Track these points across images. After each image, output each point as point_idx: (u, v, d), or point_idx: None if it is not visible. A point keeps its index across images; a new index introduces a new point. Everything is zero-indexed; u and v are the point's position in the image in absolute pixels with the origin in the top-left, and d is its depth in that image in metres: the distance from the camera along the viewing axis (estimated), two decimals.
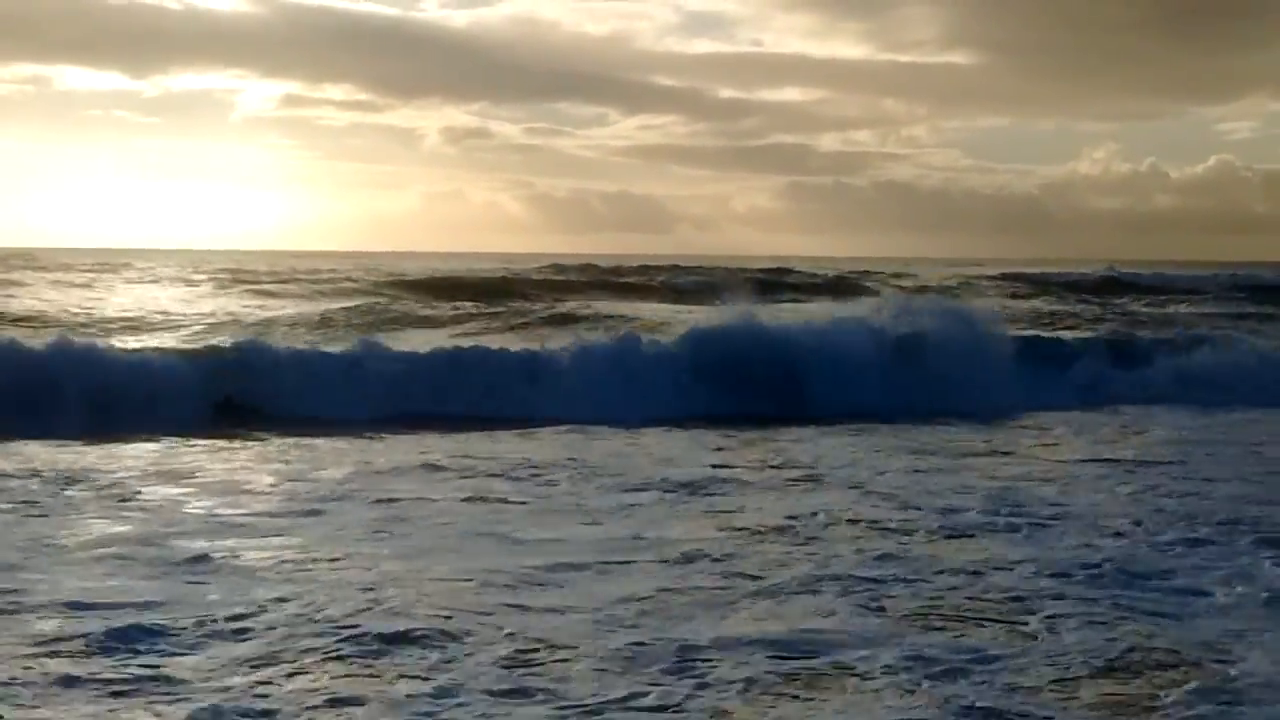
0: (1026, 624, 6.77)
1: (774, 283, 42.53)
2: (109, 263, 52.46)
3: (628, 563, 8.10)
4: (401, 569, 7.76)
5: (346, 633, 6.40)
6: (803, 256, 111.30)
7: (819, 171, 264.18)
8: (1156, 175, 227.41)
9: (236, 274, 42.52)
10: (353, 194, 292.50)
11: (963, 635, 6.58)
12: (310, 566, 7.86)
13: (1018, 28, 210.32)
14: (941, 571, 7.86)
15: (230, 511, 9.63)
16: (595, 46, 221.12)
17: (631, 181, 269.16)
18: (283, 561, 8.00)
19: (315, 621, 6.58)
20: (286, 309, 29.02)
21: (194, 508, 9.81)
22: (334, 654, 6.10)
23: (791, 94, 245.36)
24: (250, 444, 13.47)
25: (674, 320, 25.38)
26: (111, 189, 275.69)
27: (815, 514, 9.63)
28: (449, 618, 6.67)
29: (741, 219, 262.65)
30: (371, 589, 7.24)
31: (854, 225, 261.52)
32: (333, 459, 12.37)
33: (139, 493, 10.34)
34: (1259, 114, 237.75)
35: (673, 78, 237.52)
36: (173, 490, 10.48)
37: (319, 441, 13.52)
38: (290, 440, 13.60)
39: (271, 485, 10.89)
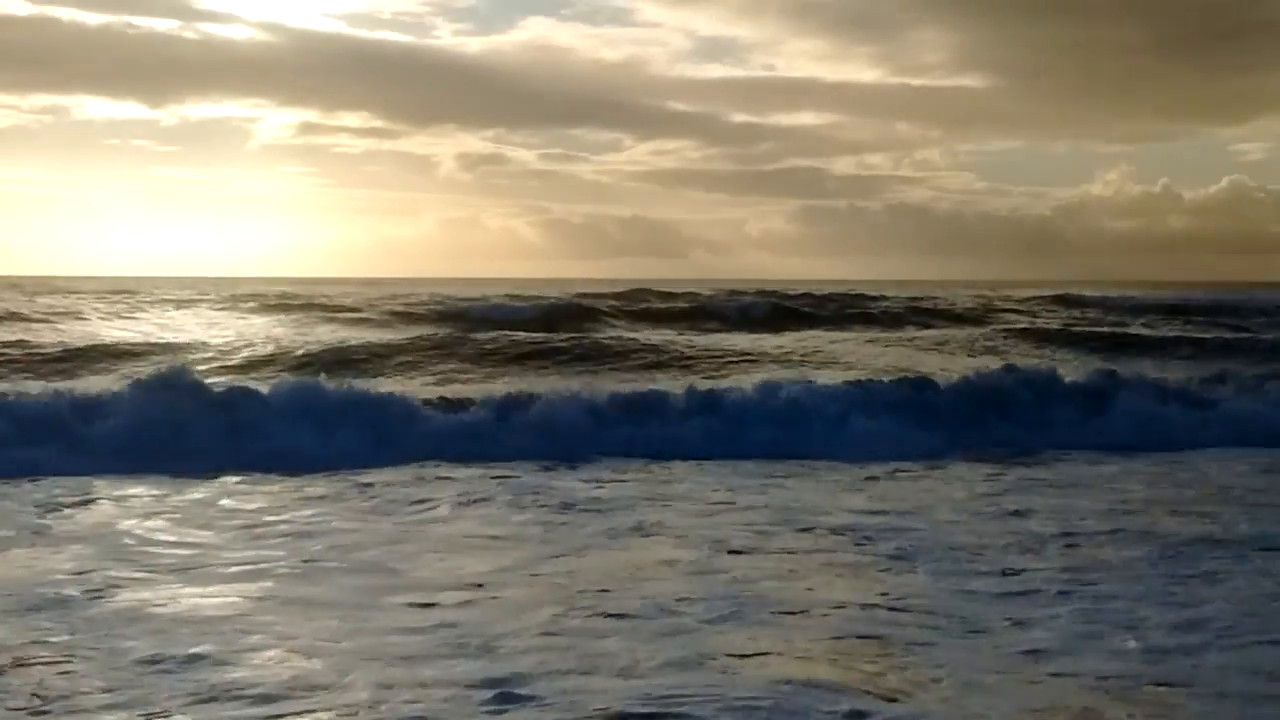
0: None
1: (862, 312, 42.56)
2: (143, 290, 51.67)
3: None
4: None
5: None
6: (819, 280, 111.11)
7: (833, 195, 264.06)
8: (1170, 196, 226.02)
9: (289, 300, 42.04)
10: (369, 221, 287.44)
11: None
12: None
13: (1029, 51, 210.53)
14: None
15: None
16: (609, 72, 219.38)
17: (646, 206, 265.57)
18: None
19: None
20: (389, 337, 28.20)
21: None
22: None
23: (805, 118, 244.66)
24: None
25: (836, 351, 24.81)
26: (130, 217, 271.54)
27: None
28: None
29: (756, 243, 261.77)
30: None
31: (868, 248, 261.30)
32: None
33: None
34: (1272, 135, 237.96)
35: (686, 103, 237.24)
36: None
37: None
38: None
39: None
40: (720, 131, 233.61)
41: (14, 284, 60.52)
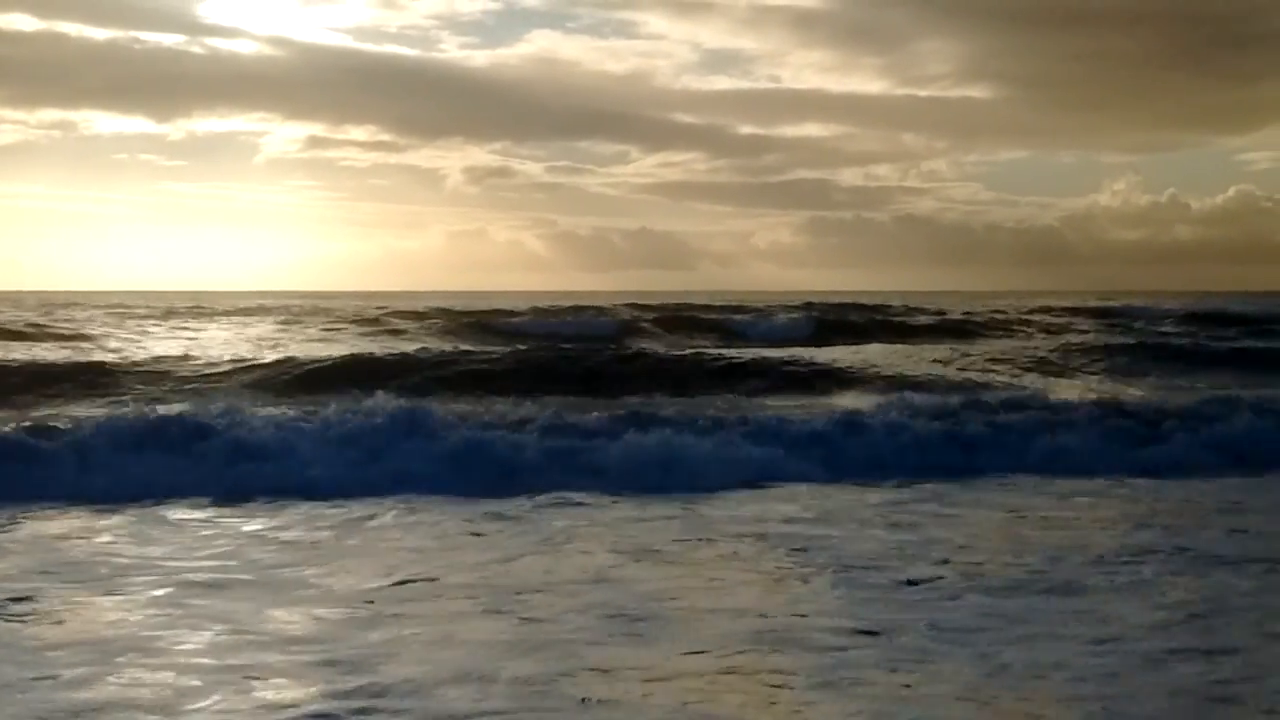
0: None
1: (904, 323, 41.84)
2: (176, 306, 51.03)
3: None
4: None
5: None
6: (826, 291, 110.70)
7: (840, 206, 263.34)
8: (1177, 206, 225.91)
9: (333, 314, 41.48)
10: (376, 234, 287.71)
11: None
12: None
13: (1035, 61, 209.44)
14: None
15: None
16: (615, 85, 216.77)
17: (654, 218, 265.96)
18: None
19: None
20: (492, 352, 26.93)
21: None
22: None
23: (811, 129, 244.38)
24: None
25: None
26: (138, 232, 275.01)
27: None
28: None
29: (763, 254, 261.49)
30: None
31: (876, 259, 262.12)
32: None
33: None
34: (1279, 144, 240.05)
35: (693, 115, 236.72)
36: None
37: None
38: None
39: None
40: (727, 143, 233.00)
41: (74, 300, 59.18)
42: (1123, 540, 9.45)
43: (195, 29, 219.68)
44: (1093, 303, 64.93)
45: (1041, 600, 7.53)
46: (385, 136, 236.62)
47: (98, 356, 24.87)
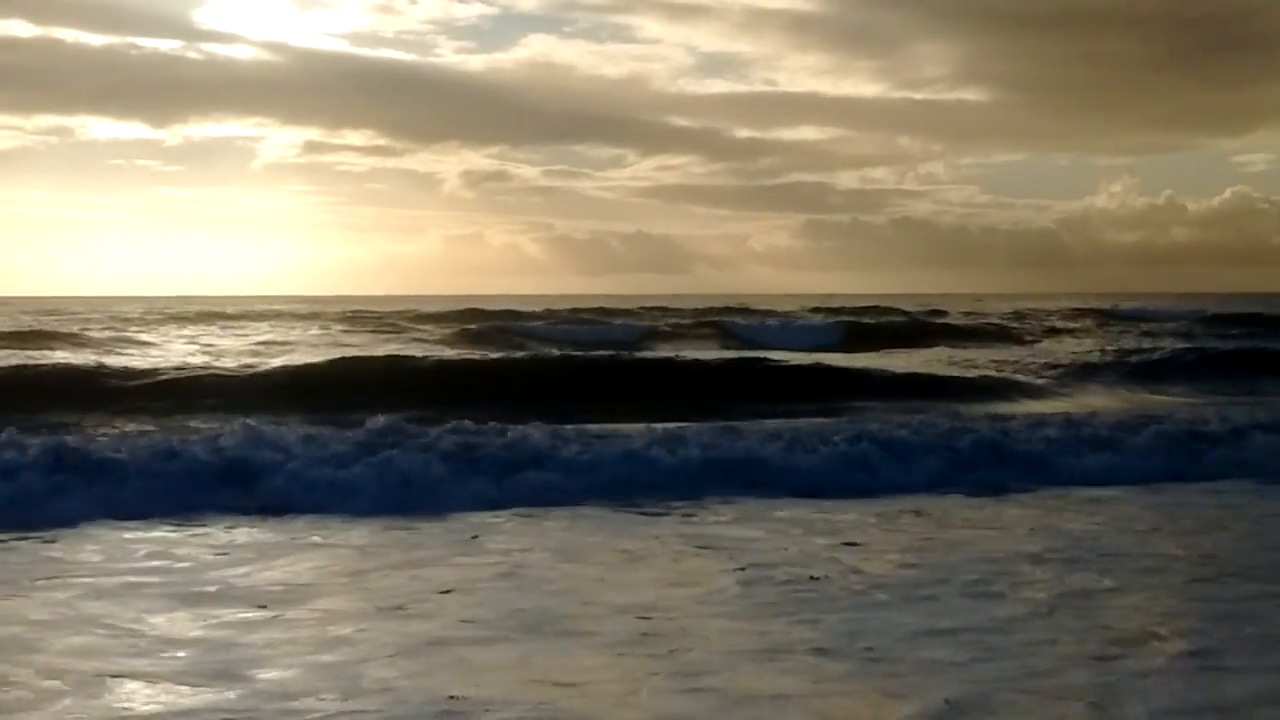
0: None
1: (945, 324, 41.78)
2: (193, 311, 50.50)
3: None
4: None
5: None
6: (824, 294, 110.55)
7: (837, 209, 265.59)
8: (1173, 208, 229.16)
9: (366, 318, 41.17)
10: (373, 238, 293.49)
11: None
12: None
13: (1030, 64, 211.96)
14: None
15: None
16: (611, 89, 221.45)
17: (650, 222, 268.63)
18: None
19: None
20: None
21: None
22: None
23: (808, 133, 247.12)
24: None
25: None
26: (135, 237, 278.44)
27: None
28: None
29: (760, 258, 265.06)
30: None
31: (873, 262, 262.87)
32: None
33: None
34: (1275, 146, 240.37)
35: (689, 119, 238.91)
36: None
37: None
38: None
39: None
40: (723, 147, 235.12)
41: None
42: None
43: (192, 34, 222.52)
44: (1103, 304, 65.06)
45: None
46: (382, 141, 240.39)
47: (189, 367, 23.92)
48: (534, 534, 9.67)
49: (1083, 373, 25.97)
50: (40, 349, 29.80)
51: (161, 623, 6.80)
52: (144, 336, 36.21)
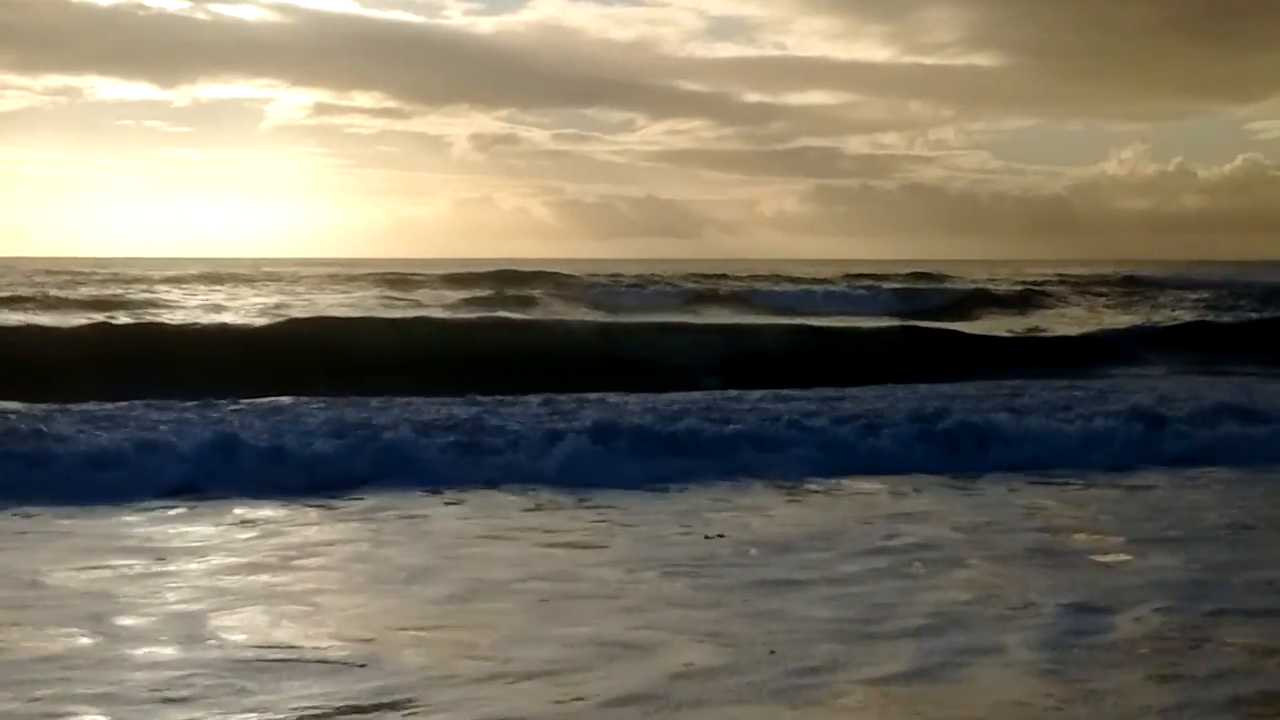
0: None
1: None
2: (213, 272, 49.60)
3: None
4: None
5: None
6: (835, 259, 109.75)
7: (846, 174, 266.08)
8: (1184, 175, 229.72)
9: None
10: (383, 201, 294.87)
11: None
12: None
13: (1041, 29, 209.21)
14: None
15: None
16: (621, 52, 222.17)
17: (659, 186, 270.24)
18: None
19: None
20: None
21: None
22: None
23: (817, 97, 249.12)
24: None
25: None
26: (143, 198, 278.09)
27: None
28: None
29: (769, 222, 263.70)
30: None
31: (882, 228, 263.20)
32: None
33: None
34: None
35: (698, 82, 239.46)
36: None
37: None
38: None
39: None
40: (733, 111, 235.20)
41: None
42: None
43: None
44: (1127, 270, 64.79)
45: None
46: (391, 103, 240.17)
47: None
48: None
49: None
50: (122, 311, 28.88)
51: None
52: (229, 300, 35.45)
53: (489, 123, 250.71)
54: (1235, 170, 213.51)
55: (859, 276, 55.27)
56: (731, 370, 18.11)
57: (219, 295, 38.70)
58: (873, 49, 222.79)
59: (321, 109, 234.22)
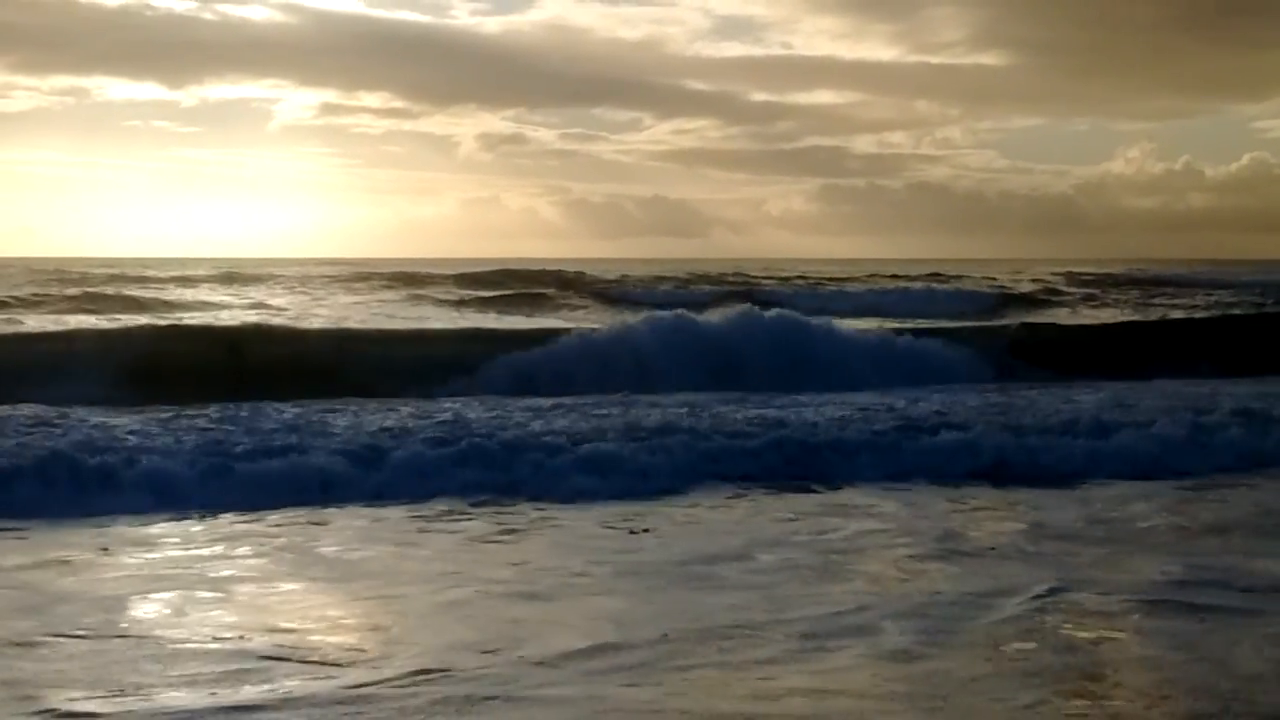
0: None
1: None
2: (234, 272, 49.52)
3: None
4: None
5: None
6: (841, 259, 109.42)
7: (854, 174, 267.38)
8: (1191, 174, 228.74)
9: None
10: (391, 201, 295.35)
11: None
12: None
13: (1047, 28, 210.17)
14: None
15: None
16: (628, 52, 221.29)
17: (666, 186, 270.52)
18: None
19: None
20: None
21: None
22: None
23: (824, 96, 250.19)
24: None
25: None
26: (151, 198, 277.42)
27: None
28: None
29: (776, 222, 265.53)
30: None
31: (889, 227, 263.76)
32: None
33: None
34: None
35: (705, 82, 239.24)
36: None
37: None
38: None
39: None
40: (740, 110, 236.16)
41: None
42: None
43: None
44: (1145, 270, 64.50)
45: None
46: (398, 103, 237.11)
47: None
48: None
49: None
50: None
51: None
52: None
53: (496, 122, 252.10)
54: (1242, 169, 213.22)
55: (888, 277, 54.76)
56: None
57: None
58: (879, 48, 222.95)
59: (328, 109, 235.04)
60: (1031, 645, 6.06)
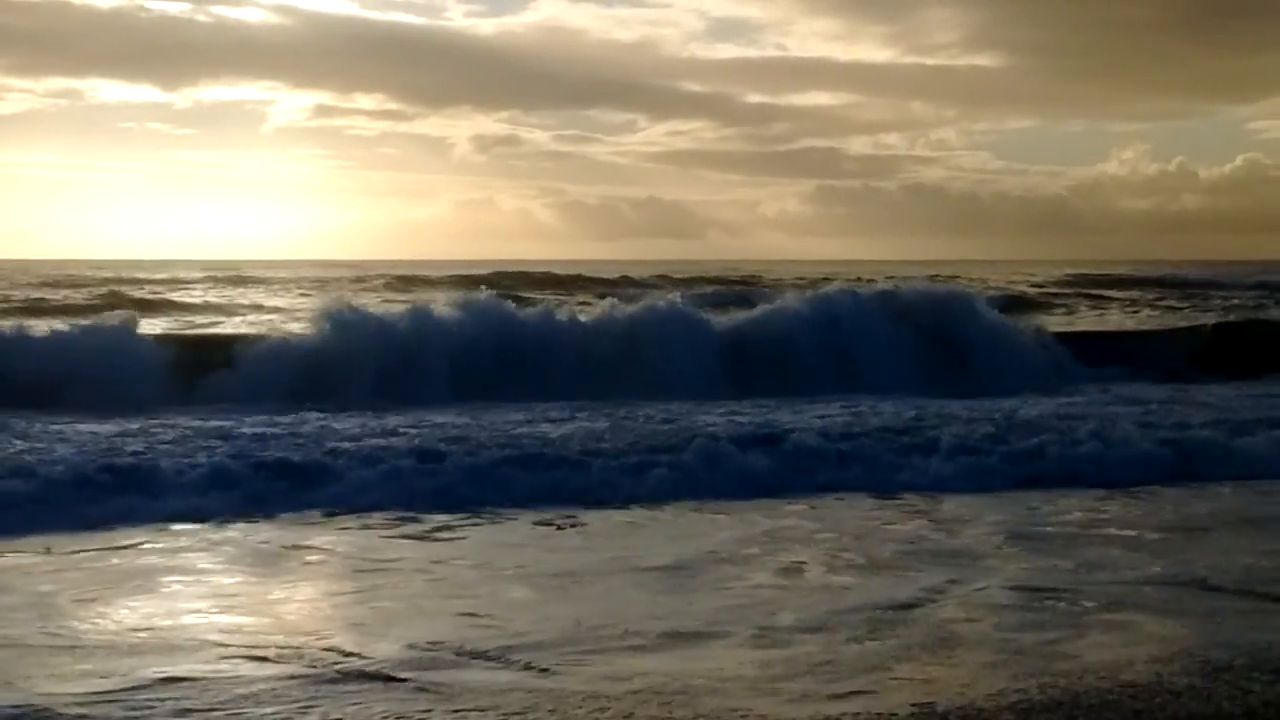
0: None
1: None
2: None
3: None
4: None
5: None
6: (837, 260, 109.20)
7: (848, 175, 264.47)
8: (1185, 175, 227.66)
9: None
10: (385, 203, 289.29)
11: None
12: None
13: (1042, 29, 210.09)
14: None
15: None
16: (622, 53, 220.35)
17: (661, 187, 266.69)
18: None
19: None
20: None
21: None
22: None
23: (819, 98, 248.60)
24: None
25: None
26: (146, 200, 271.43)
27: None
28: None
29: (771, 223, 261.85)
30: None
31: (885, 228, 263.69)
32: None
33: None
34: None
35: (700, 83, 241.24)
36: None
37: None
38: None
39: None
40: (734, 112, 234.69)
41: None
42: None
43: None
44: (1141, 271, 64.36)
45: None
46: (393, 105, 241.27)
47: None
48: None
49: None
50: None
51: None
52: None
53: (490, 124, 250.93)
54: (1236, 170, 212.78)
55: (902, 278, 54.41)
56: None
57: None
58: (874, 50, 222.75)
59: (323, 111, 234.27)
60: None
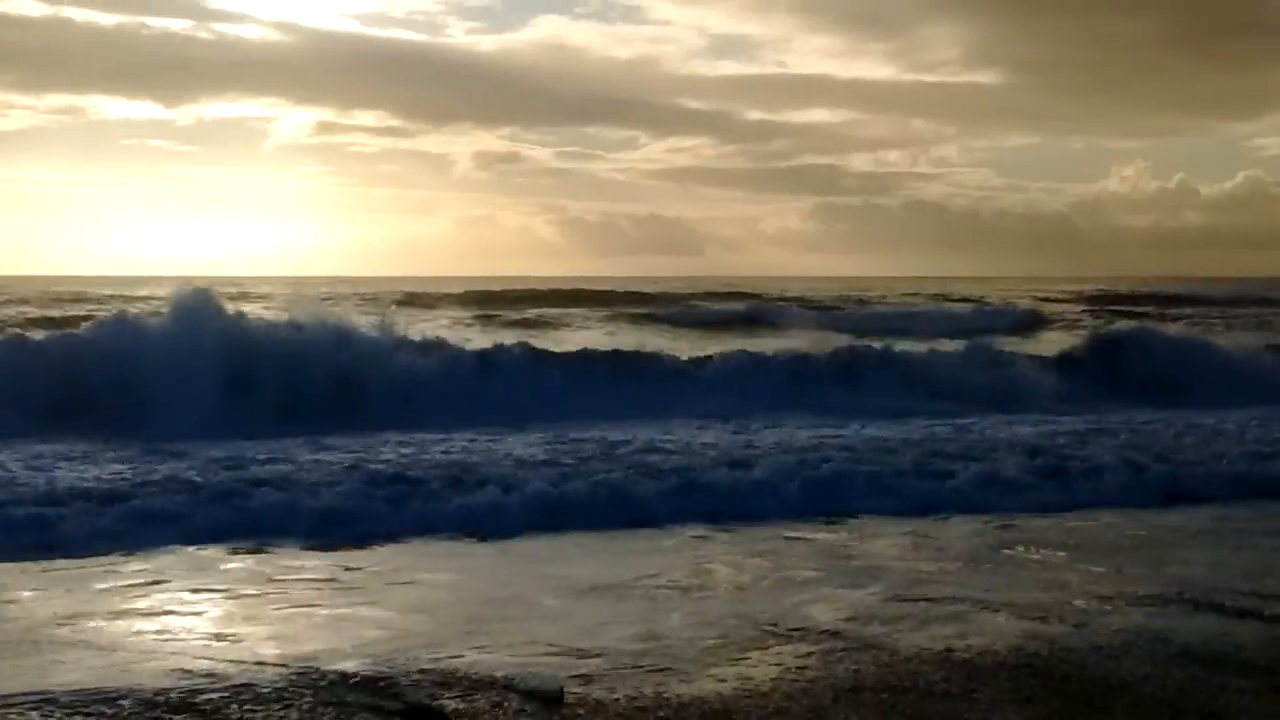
0: None
1: None
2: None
3: None
4: None
5: None
6: (836, 278, 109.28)
7: (849, 192, 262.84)
8: (1186, 192, 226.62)
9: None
10: (386, 219, 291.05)
11: None
12: None
13: (1042, 46, 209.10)
14: None
15: None
16: (623, 70, 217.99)
17: (662, 204, 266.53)
18: None
19: None
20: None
21: None
22: None
23: (819, 115, 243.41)
24: None
25: None
26: (148, 217, 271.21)
27: None
28: None
29: (772, 240, 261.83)
30: None
31: (885, 245, 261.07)
32: None
33: None
34: None
35: (701, 100, 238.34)
36: None
37: None
38: None
39: None
40: (735, 129, 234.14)
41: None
42: None
43: (202, 14, 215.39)
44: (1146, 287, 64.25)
45: None
46: (394, 122, 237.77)
47: None
48: None
49: None
50: None
51: None
52: None
53: (491, 141, 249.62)
54: (1237, 187, 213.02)
55: (916, 296, 54.44)
56: None
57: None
58: (874, 67, 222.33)
59: (324, 128, 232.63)
60: None
